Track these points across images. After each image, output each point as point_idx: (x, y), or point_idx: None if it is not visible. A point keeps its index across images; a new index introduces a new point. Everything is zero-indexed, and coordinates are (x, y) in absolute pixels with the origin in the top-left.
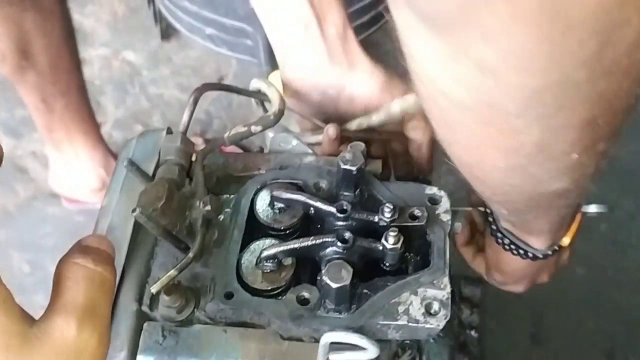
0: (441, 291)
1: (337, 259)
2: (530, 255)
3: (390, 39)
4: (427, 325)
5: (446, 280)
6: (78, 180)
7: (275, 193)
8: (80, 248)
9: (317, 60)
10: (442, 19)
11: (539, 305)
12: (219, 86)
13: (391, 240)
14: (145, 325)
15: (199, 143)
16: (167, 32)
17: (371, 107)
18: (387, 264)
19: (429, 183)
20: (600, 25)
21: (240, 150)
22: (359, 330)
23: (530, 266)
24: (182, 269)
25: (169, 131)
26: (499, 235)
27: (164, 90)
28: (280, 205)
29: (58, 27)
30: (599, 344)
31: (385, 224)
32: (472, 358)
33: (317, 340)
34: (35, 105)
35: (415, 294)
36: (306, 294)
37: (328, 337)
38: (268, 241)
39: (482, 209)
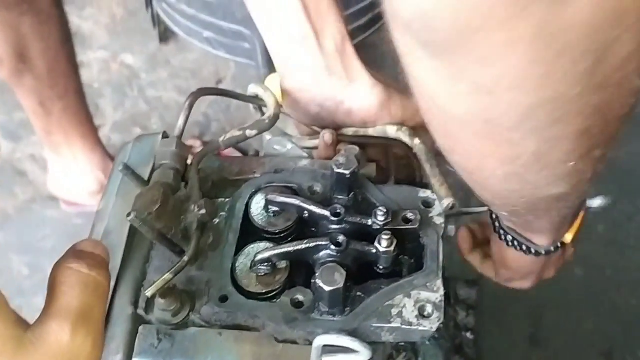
0: (434, 294)
1: (331, 262)
2: (534, 251)
3: (387, 42)
4: (421, 328)
5: (439, 282)
6: (76, 183)
7: (270, 197)
8: (75, 253)
9: (316, 74)
10: (439, 44)
11: (538, 306)
12: (215, 91)
13: (384, 243)
14: (140, 328)
15: (197, 146)
16: (166, 35)
17: (369, 122)
18: (381, 267)
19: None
20: (593, 45)
21: (238, 153)
22: (353, 332)
23: (536, 262)
24: (177, 272)
25: (165, 135)
26: (502, 232)
27: (162, 93)
28: (275, 208)
29: (55, 31)
30: (598, 345)
31: (378, 227)
32: None
33: (311, 343)
34: (33, 108)
35: (409, 296)
36: (300, 297)
37: (321, 340)
38: (263, 244)
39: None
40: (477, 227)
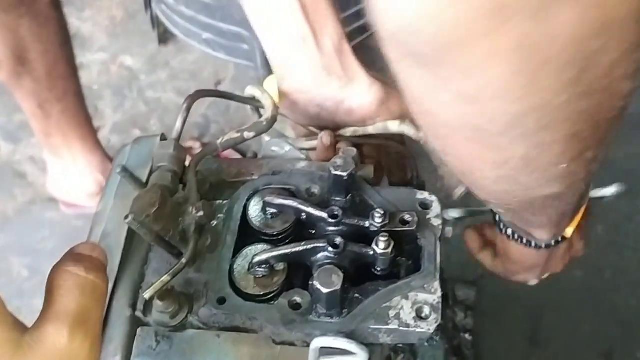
0: (432, 295)
1: (329, 264)
2: (534, 244)
3: None
4: (418, 330)
5: (437, 284)
6: (76, 185)
7: (268, 199)
8: (73, 256)
9: (314, 75)
10: (422, 56)
11: (537, 307)
12: (212, 93)
13: (382, 245)
14: (138, 330)
15: (196, 147)
16: (165, 36)
17: (369, 119)
18: (379, 269)
19: (424, 188)
20: (577, 55)
21: (237, 154)
22: (351, 334)
23: (538, 255)
24: (175, 274)
25: (163, 137)
26: (503, 226)
27: (161, 95)
28: (273, 210)
29: (54, 34)
30: (597, 346)
31: (376, 229)
32: None
33: (309, 345)
34: (32, 110)
35: (406, 298)
36: (298, 299)
37: (318, 342)
38: (260, 246)
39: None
40: (485, 226)
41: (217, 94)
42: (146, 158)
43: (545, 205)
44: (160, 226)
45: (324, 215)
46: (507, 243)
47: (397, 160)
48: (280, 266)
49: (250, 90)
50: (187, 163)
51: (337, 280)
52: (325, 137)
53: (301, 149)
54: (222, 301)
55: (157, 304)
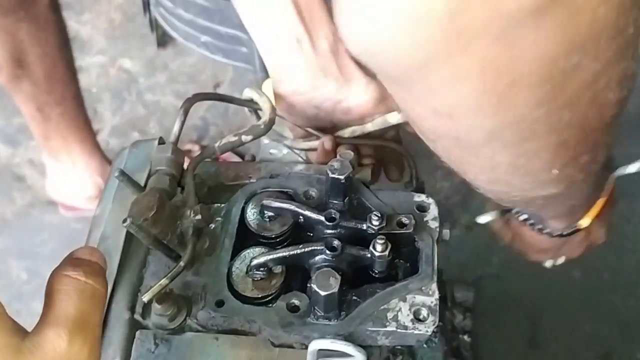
0: (429, 297)
1: (326, 266)
2: (547, 231)
3: None
4: (416, 332)
5: (434, 286)
6: (75, 188)
7: (265, 202)
8: (72, 261)
9: (311, 76)
10: (389, 76)
11: (536, 308)
12: (210, 96)
13: (379, 248)
14: (137, 333)
15: (195, 150)
16: (163, 39)
17: (367, 117)
18: (376, 271)
19: (423, 190)
20: (550, 73)
21: (236, 156)
22: (349, 336)
23: (551, 241)
24: (173, 277)
25: (161, 141)
26: (516, 210)
27: (160, 98)
28: (271, 213)
29: (53, 37)
30: (596, 347)
31: (373, 231)
32: None
33: (307, 347)
34: (31, 114)
35: (404, 300)
36: (296, 302)
37: (315, 345)
38: (258, 249)
39: None
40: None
41: (215, 97)
42: (144, 161)
43: (547, 203)
44: (159, 229)
45: (322, 218)
46: (519, 226)
47: (394, 157)
48: (278, 269)
49: (248, 93)
50: (185, 166)
51: (334, 282)
52: (327, 143)
53: (300, 150)
54: (220, 304)
55: (156, 306)
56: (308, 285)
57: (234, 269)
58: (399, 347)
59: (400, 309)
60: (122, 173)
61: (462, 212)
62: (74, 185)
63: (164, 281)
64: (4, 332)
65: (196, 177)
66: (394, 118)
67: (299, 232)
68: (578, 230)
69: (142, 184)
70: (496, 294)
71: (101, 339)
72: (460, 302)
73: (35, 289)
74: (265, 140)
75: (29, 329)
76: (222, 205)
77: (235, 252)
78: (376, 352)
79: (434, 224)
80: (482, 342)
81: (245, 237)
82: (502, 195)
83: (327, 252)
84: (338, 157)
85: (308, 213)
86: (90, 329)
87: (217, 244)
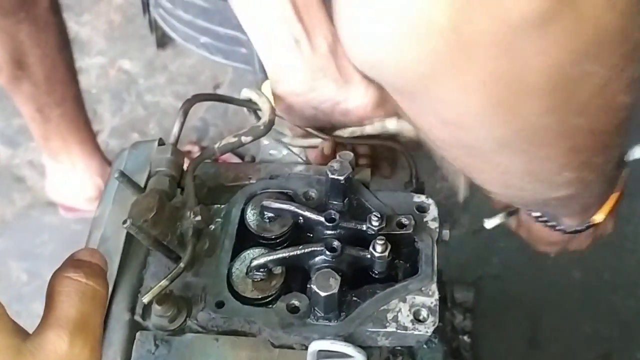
0: (429, 298)
1: (326, 267)
2: (560, 228)
3: None
4: (416, 332)
5: (434, 287)
6: (75, 189)
7: (265, 203)
8: (73, 262)
9: (310, 77)
10: (401, 89)
11: (536, 308)
12: (209, 96)
13: (379, 248)
14: (137, 334)
15: (195, 151)
16: (163, 40)
17: (365, 120)
18: (376, 272)
19: (423, 190)
20: (556, 82)
21: (236, 157)
22: (349, 337)
23: (560, 236)
24: (173, 278)
25: (161, 142)
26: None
27: (160, 99)
28: (270, 214)
29: (53, 38)
30: (596, 347)
31: (373, 232)
32: None
33: (307, 348)
34: (31, 115)
35: (404, 301)
36: (296, 302)
37: (315, 346)
38: (258, 250)
39: None
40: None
41: (215, 98)
42: (144, 163)
43: (560, 204)
44: (159, 230)
45: (322, 218)
46: (529, 219)
47: (386, 154)
48: (278, 270)
49: (246, 93)
50: (185, 167)
51: (334, 283)
52: (326, 149)
53: (298, 146)
54: (220, 305)
55: (156, 308)
56: (308, 286)
57: (234, 270)
58: (399, 347)
59: (400, 310)
60: (122, 174)
61: (462, 213)
62: (74, 186)
63: (164, 282)
64: (4, 334)
65: (196, 178)
66: (391, 124)
67: (299, 233)
68: (592, 225)
69: (142, 185)
70: (496, 294)
71: (102, 340)
72: (460, 303)
73: (35, 290)
74: (265, 141)
75: (29, 331)
76: (222, 206)
77: (235, 253)
78: (376, 352)
79: (433, 225)
80: (482, 342)
81: (245, 238)
82: (515, 199)
83: (327, 252)
84: (337, 157)
85: (308, 214)
86: (91, 331)
87: (217, 245)
